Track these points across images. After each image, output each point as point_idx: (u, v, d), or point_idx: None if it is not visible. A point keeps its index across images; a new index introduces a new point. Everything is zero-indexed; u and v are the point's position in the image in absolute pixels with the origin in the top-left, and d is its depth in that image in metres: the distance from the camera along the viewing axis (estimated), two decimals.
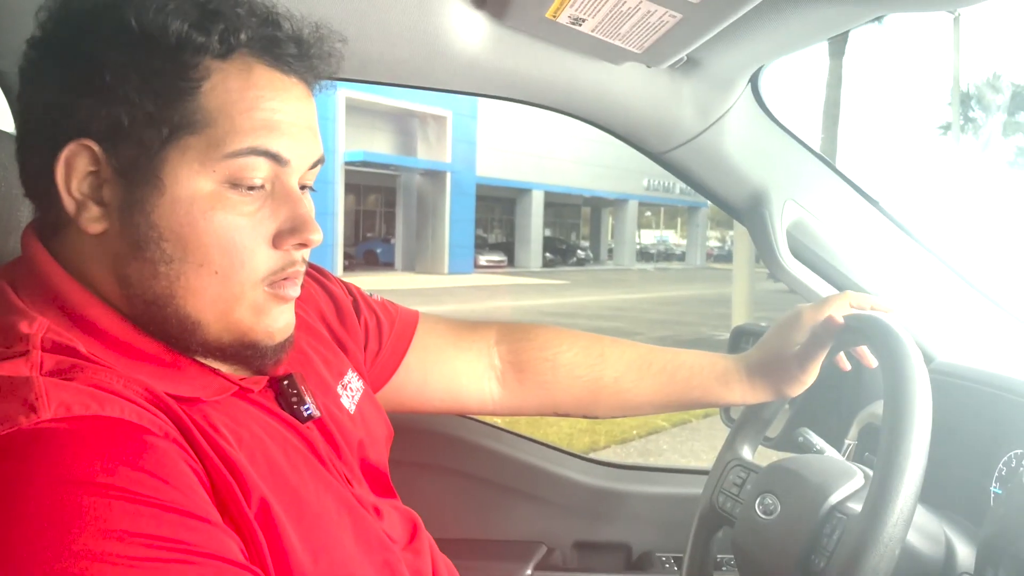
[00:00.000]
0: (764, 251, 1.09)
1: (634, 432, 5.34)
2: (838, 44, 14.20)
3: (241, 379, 0.68)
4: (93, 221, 0.62)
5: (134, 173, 0.60)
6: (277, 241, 0.64)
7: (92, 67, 0.59)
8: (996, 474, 0.96)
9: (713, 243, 44.71)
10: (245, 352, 0.66)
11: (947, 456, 0.69)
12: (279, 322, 0.67)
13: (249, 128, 0.61)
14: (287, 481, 0.64)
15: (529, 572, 1.38)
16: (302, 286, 0.71)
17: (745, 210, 1.12)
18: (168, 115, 0.60)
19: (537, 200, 28.50)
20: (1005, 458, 0.95)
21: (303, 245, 0.66)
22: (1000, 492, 0.95)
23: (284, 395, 0.71)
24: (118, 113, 0.59)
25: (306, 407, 0.71)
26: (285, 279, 0.66)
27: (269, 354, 0.67)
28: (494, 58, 0.97)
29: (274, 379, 0.72)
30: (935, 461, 0.71)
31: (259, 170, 0.62)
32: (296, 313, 0.72)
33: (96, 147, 0.60)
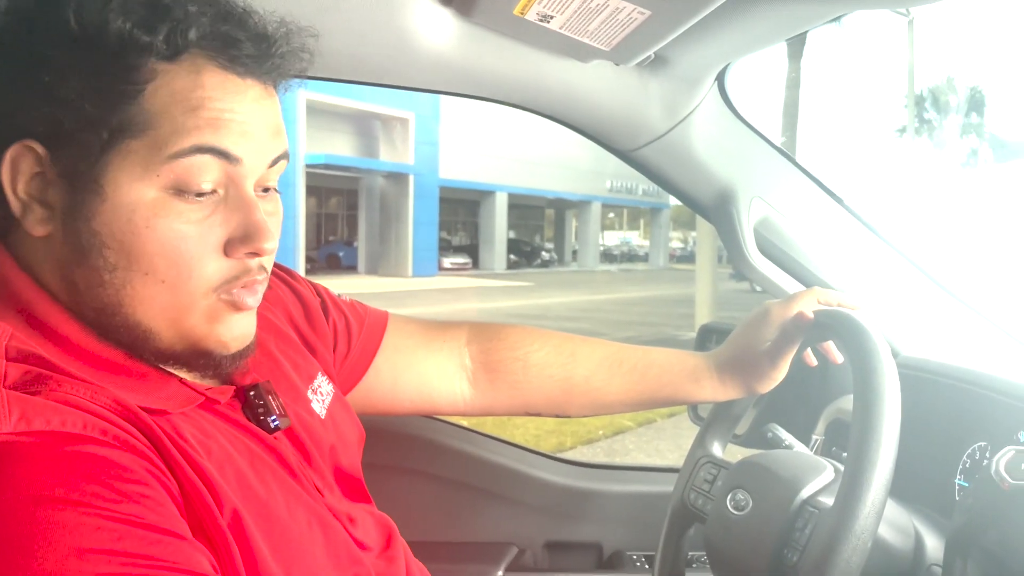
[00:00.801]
0: (731, 248, 1.10)
1: (600, 432, 5.36)
2: (796, 47, 14.44)
3: (207, 389, 0.66)
4: (38, 223, 0.59)
5: (75, 177, 0.58)
6: (228, 249, 0.62)
7: (33, 66, 0.57)
8: (961, 466, 0.98)
9: (676, 244, 45.16)
10: (199, 361, 0.64)
11: (913, 449, 0.70)
12: (234, 331, 0.65)
13: (193, 126, 0.58)
14: (256, 495, 0.62)
15: (500, 573, 1.37)
16: (269, 287, 0.70)
17: (712, 208, 1.13)
18: (108, 118, 0.57)
19: (501, 202, 28.51)
20: (969, 451, 0.97)
21: (255, 254, 0.63)
22: (966, 484, 0.96)
23: (251, 406, 0.69)
24: (58, 115, 0.57)
25: (273, 418, 0.69)
26: (242, 287, 0.64)
27: (225, 363, 0.65)
28: (461, 56, 0.96)
29: (241, 389, 0.70)
30: (901, 454, 0.72)
31: (208, 172, 0.59)
32: (263, 315, 0.70)
33: (40, 149, 0.58)
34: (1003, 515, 0.82)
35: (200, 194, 0.60)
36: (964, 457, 0.97)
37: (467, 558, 1.38)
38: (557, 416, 1.03)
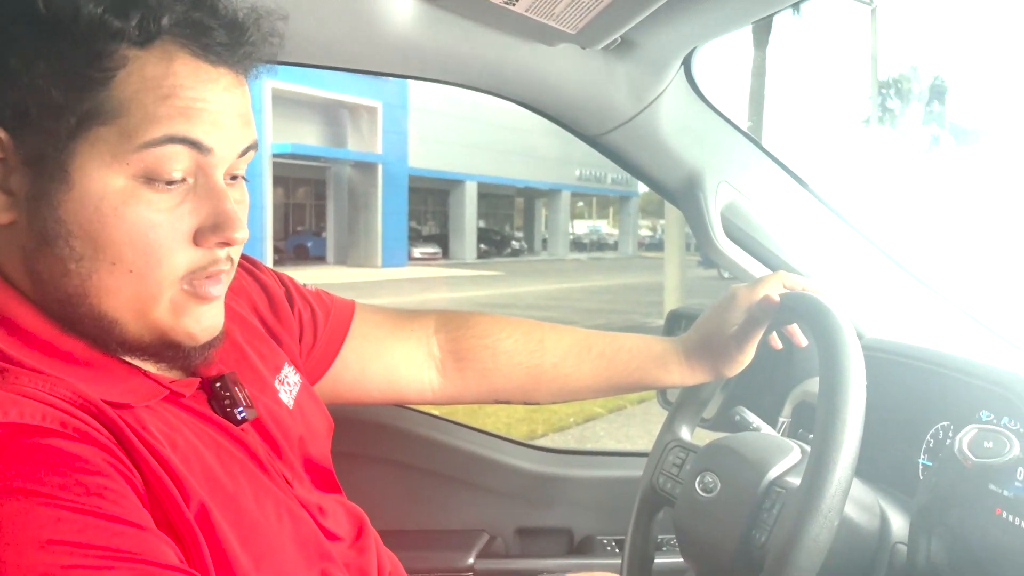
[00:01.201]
0: (699, 233, 1.10)
1: (571, 420, 5.39)
2: (762, 35, 14.55)
3: (171, 382, 0.65)
4: (1, 210, 0.58)
5: (41, 164, 0.57)
6: (198, 238, 0.61)
7: None
8: (924, 446, 0.99)
9: (645, 232, 45.43)
10: (167, 352, 0.63)
11: (877, 430, 0.71)
12: (202, 322, 0.64)
13: (165, 115, 0.57)
14: (224, 488, 0.62)
15: (472, 561, 1.37)
16: (235, 277, 0.69)
17: (680, 193, 1.13)
18: (76, 104, 0.56)
19: (471, 191, 28.44)
20: (932, 430, 0.98)
21: (226, 244, 0.62)
22: (930, 464, 0.98)
23: (217, 398, 0.68)
24: (24, 100, 0.55)
25: (239, 410, 0.68)
26: (208, 277, 0.63)
27: (193, 355, 0.64)
28: (427, 40, 0.95)
29: (206, 381, 0.69)
30: (866, 435, 0.72)
31: (178, 161, 0.58)
32: (228, 306, 0.69)
33: (3, 134, 0.56)
34: (965, 493, 0.83)
35: (170, 183, 0.59)
36: (927, 437, 0.99)
37: (438, 546, 1.38)
38: (526, 403, 1.03)
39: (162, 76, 0.57)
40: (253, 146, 0.65)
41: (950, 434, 0.96)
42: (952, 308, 1.14)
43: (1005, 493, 0.83)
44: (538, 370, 0.99)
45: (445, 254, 28.41)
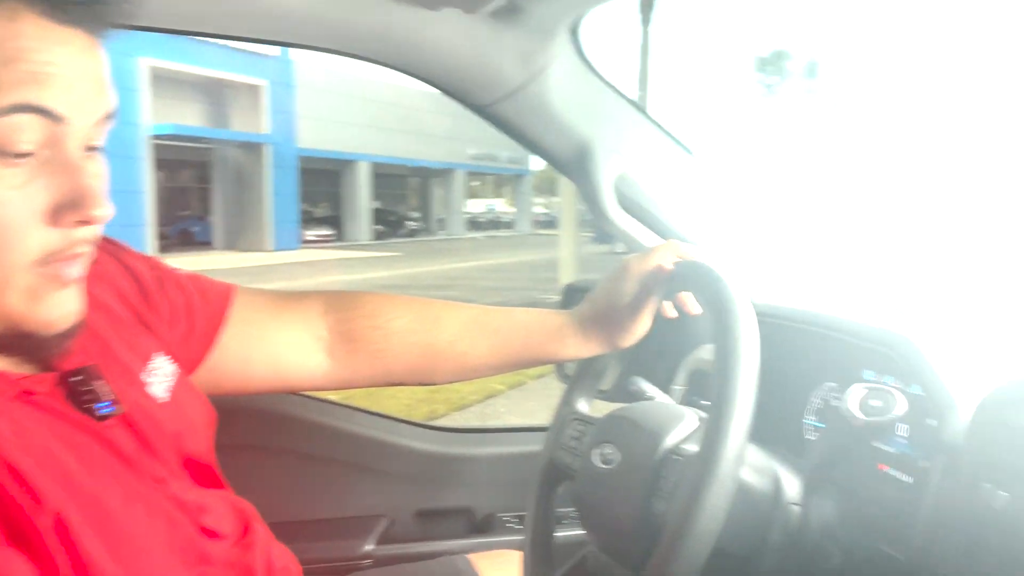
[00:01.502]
0: (592, 205, 1.09)
1: (472, 398, 5.39)
2: (646, 12, 14.86)
3: (23, 378, 0.59)
4: None
5: None
6: (54, 217, 0.55)
7: None
8: (810, 407, 1.02)
9: (540, 210, 45.86)
10: (22, 343, 0.57)
11: (763, 393, 0.71)
12: (59, 309, 0.58)
13: (11, 81, 0.51)
14: (86, 492, 0.56)
15: (371, 547, 1.33)
16: (95, 262, 0.62)
17: (572, 164, 1.12)
18: None
19: (363, 171, 27.93)
20: (818, 391, 1.02)
21: (84, 222, 0.56)
22: (817, 424, 1.01)
23: (75, 393, 0.62)
24: None
25: (101, 405, 0.62)
26: (66, 260, 0.57)
27: (49, 345, 0.59)
28: (307, 6, 0.90)
29: (64, 375, 0.62)
30: (756, 399, 0.73)
31: (28, 132, 0.52)
32: (89, 293, 0.63)
33: None
34: (852, 451, 0.86)
35: (19, 156, 0.52)
36: (813, 398, 1.02)
37: (334, 535, 1.34)
38: (422, 384, 0.99)
39: (7, 38, 0.51)
40: (112, 114, 0.59)
41: (835, 395, 0.99)
42: (839, 270, 1.18)
43: (887, 449, 0.86)
44: (433, 349, 0.96)
45: (340, 236, 27.86)
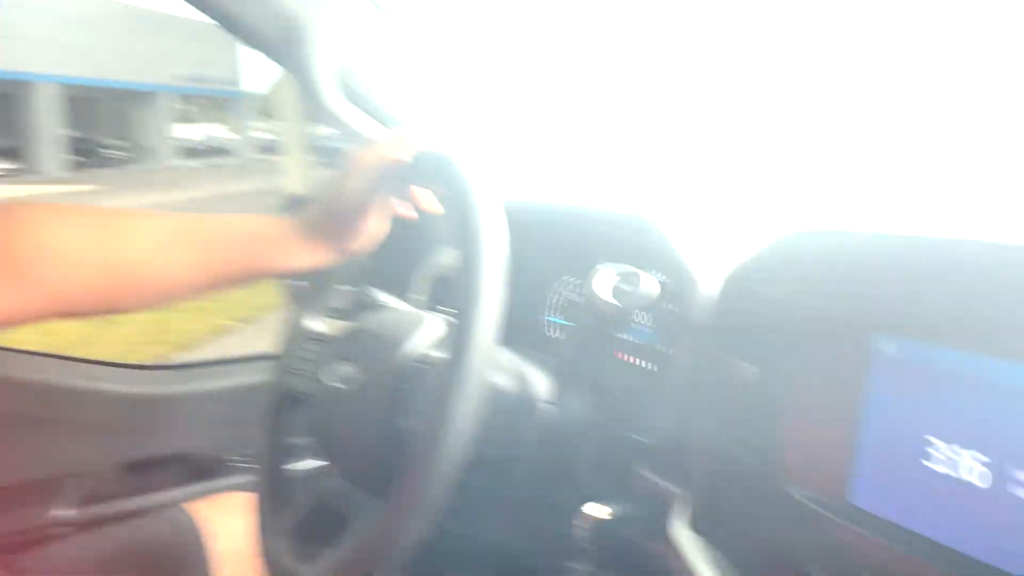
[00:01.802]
0: (310, 94, 0.95)
1: (205, 335, 5.01)
2: None
3: None
4: None
5: None
6: None
7: None
8: (550, 303, 0.99)
9: (262, 135, 43.39)
10: None
11: (508, 293, 0.65)
12: None
13: None
14: None
15: (69, 512, 1.13)
16: None
17: (282, 48, 0.96)
18: None
19: (47, 94, 24.34)
20: (556, 286, 0.99)
21: None
22: (559, 322, 0.98)
23: None
24: None
25: None
26: None
27: None
28: None
29: None
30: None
31: None
32: None
33: None
34: (599, 345, 0.84)
35: None
36: (551, 294, 0.99)
37: (17, 502, 1.11)
38: (110, 313, 0.81)
39: None
40: None
41: (575, 289, 0.96)
42: (584, 158, 1.15)
43: (631, 339, 0.85)
44: (118, 270, 0.77)
45: (28, 170, 24.26)
